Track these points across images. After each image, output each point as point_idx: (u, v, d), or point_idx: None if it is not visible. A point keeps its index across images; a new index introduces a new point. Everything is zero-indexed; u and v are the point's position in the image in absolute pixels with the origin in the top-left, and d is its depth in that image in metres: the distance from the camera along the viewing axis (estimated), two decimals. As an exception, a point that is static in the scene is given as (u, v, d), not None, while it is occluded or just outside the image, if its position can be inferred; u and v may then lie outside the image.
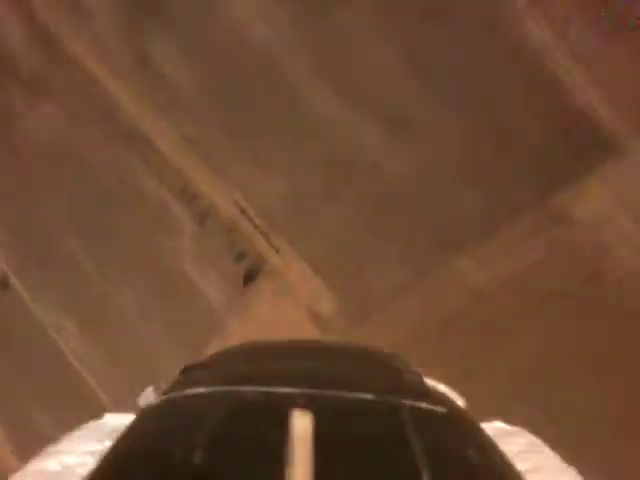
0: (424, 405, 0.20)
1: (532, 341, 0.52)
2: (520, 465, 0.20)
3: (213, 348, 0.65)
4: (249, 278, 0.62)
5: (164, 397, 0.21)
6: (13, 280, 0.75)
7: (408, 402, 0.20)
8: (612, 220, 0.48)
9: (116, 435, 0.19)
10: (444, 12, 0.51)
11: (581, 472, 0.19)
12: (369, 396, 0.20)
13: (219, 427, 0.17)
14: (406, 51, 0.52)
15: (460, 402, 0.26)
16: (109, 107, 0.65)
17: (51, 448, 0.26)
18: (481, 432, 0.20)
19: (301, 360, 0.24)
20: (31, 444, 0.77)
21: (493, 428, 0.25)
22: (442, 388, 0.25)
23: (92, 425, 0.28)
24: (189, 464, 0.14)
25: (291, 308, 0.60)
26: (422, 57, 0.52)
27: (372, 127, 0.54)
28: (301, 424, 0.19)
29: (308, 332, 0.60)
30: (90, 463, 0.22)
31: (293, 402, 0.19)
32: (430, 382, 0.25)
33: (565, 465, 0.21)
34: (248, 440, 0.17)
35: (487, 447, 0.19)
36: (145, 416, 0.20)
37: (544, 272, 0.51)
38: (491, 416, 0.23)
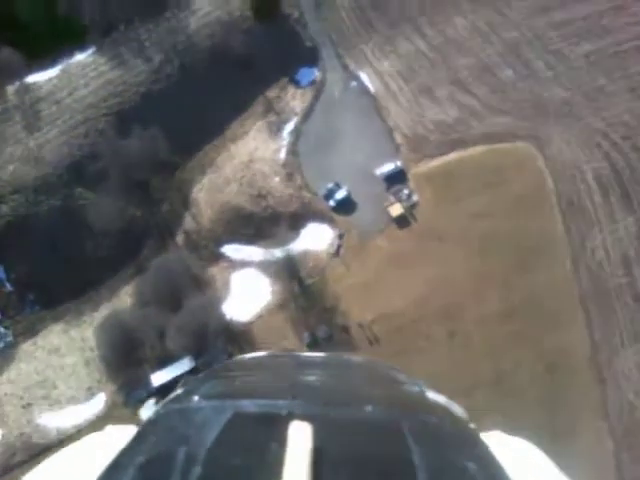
0: (425, 417, 0.20)
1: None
2: (519, 476, 0.20)
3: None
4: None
5: (165, 410, 0.20)
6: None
7: (409, 414, 0.20)
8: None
9: (118, 447, 0.19)
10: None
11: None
12: (370, 408, 0.20)
13: (217, 441, 0.17)
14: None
15: (461, 413, 0.26)
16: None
17: (54, 458, 0.26)
18: (481, 444, 0.20)
19: (301, 373, 0.24)
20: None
21: (493, 438, 0.25)
22: (443, 400, 0.25)
23: (95, 437, 0.28)
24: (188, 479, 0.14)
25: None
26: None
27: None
28: (300, 436, 0.19)
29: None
30: (92, 474, 0.22)
31: (292, 415, 0.18)
32: (431, 394, 0.25)
33: (565, 477, 0.20)
34: (246, 454, 0.17)
35: (486, 459, 0.19)
36: (146, 429, 0.20)
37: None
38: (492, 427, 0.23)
